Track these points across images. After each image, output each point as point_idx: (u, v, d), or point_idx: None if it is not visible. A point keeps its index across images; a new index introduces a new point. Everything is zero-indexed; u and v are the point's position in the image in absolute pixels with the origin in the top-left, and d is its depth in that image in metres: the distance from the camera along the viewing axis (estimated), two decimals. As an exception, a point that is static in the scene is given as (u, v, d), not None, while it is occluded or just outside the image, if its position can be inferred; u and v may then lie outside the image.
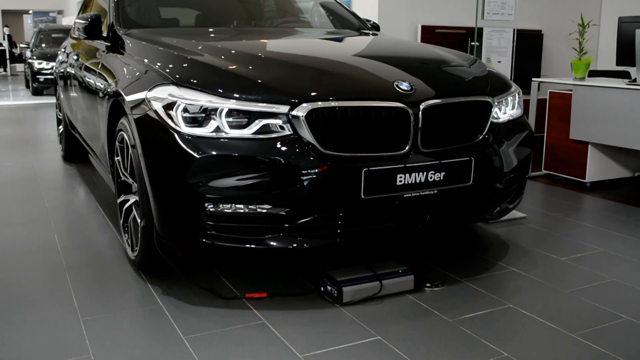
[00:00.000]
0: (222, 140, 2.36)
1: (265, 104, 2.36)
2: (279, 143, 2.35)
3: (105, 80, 3.16)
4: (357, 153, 2.40)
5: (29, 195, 4.27)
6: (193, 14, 3.84)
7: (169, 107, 2.43)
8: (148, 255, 2.68)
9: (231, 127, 2.37)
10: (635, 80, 4.30)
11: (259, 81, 2.45)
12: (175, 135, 2.38)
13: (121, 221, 3.02)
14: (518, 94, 3.02)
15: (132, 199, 2.88)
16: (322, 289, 2.61)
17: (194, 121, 2.39)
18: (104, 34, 3.54)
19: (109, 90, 3.03)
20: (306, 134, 2.35)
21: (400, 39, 3.53)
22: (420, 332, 2.29)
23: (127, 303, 2.55)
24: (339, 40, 3.52)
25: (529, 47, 6.69)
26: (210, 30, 3.51)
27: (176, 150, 2.36)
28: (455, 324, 2.36)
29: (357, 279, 2.56)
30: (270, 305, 2.51)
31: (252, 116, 2.37)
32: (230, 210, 2.39)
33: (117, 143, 2.95)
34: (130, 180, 2.89)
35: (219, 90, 2.40)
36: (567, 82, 4.54)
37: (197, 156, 2.31)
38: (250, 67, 2.56)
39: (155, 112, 2.46)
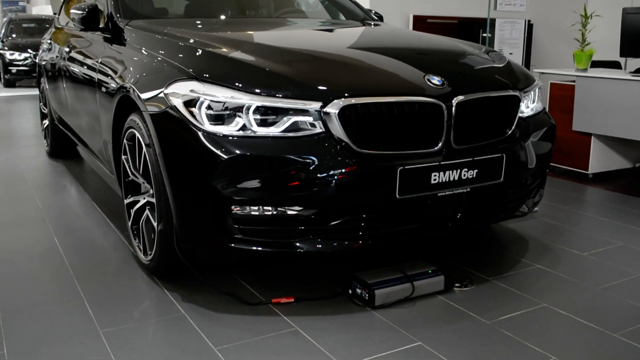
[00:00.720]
0: (250, 139, 2.22)
1: (295, 100, 2.24)
2: (310, 141, 2.23)
3: (110, 74, 2.99)
4: (391, 151, 2.30)
5: (19, 194, 4.07)
6: (190, 3, 3.68)
7: (190, 103, 2.29)
8: (166, 259, 2.54)
9: (259, 125, 2.24)
10: None
11: (288, 76, 2.32)
12: (199, 134, 2.24)
13: (129, 223, 2.87)
14: (539, 88, 2.95)
15: (143, 200, 2.73)
16: (350, 291, 2.51)
17: (218, 119, 2.26)
18: (102, 25, 3.36)
19: (115, 85, 2.86)
20: (339, 131, 2.23)
21: (415, 32, 3.42)
22: (461, 336, 2.21)
23: (147, 312, 2.41)
24: (359, 32, 3.40)
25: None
26: (221, 20, 3.36)
27: (201, 150, 2.22)
28: (494, 326, 2.28)
29: (388, 281, 2.47)
30: (298, 310, 2.40)
31: (280, 113, 2.24)
32: (258, 213, 2.27)
33: (125, 141, 2.79)
34: (141, 180, 2.74)
35: (245, 85, 2.27)
36: (571, 74, 4.50)
37: (225, 157, 2.18)
38: (276, 62, 2.42)
39: (176, 109, 2.31)
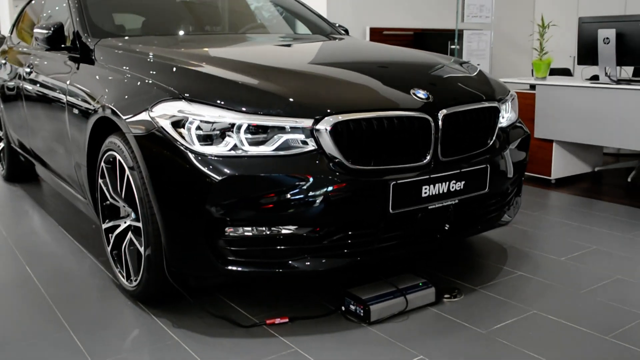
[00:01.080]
0: (242, 159, 2.19)
1: (287, 118, 2.22)
2: (302, 159, 2.22)
3: (82, 95, 2.89)
4: (382, 166, 2.31)
5: (-21, 222, 3.89)
6: (161, 20, 3.61)
7: (177, 124, 2.24)
8: (154, 285, 2.47)
9: (250, 144, 2.21)
10: (597, 77, 4.44)
11: (278, 94, 2.30)
12: (190, 155, 2.19)
13: (109, 249, 2.78)
14: (513, 98, 3.03)
15: (124, 224, 2.65)
16: (343, 308, 2.50)
17: (208, 139, 2.22)
18: (68, 44, 3.25)
19: (89, 106, 2.77)
20: (331, 148, 2.23)
21: (388, 45, 3.46)
22: (461, 347, 2.22)
23: (138, 340, 2.34)
24: (336, 47, 3.41)
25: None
26: (194, 38, 3.32)
27: (192, 172, 2.17)
28: (491, 335, 2.31)
29: (381, 296, 2.47)
30: (294, 330, 2.37)
31: (271, 131, 2.22)
32: (251, 234, 2.24)
33: (102, 164, 2.71)
34: (121, 204, 2.66)
35: (235, 104, 2.23)
36: (530, 82, 4.63)
37: (218, 178, 2.14)
38: (263, 79, 2.40)
39: (163, 130, 2.26)
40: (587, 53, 4.34)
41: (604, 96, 4.18)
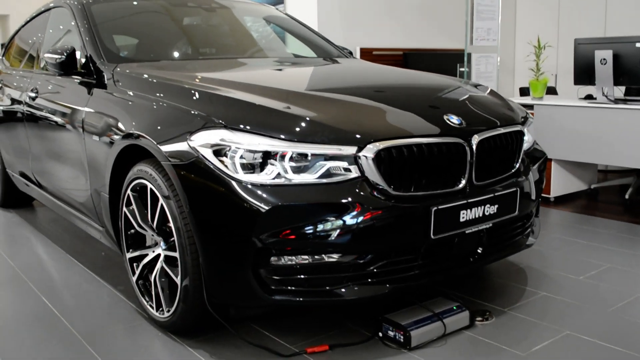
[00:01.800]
0: (286, 187, 2.18)
1: (330, 146, 2.22)
2: (346, 186, 2.22)
3: (104, 121, 2.85)
4: (423, 192, 2.33)
5: (-19, 251, 3.78)
6: (174, 45, 3.59)
7: (219, 153, 2.23)
8: (190, 316, 2.43)
9: (294, 172, 2.21)
10: (594, 97, 4.56)
11: (320, 121, 2.30)
12: (234, 184, 2.17)
13: (134, 278, 2.73)
14: (531, 121, 3.08)
15: (152, 253, 2.61)
16: (381, 334, 2.49)
17: (250, 167, 2.20)
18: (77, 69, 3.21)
19: (115, 133, 2.73)
20: (375, 175, 2.23)
21: (405, 69, 3.50)
22: (506, 372, 2.24)
23: (179, 373, 2.29)
24: (360, 71, 3.42)
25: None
26: (219, 63, 3.30)
27: (238, 201, 2.16)
28: (530, 358, 2.33)
29: (420, 321, 2.47)
30: (335, 358, 2.36)
31: (313, 159, 2.22)
32: (296, 262, 2.22)
33: (129, 192, 2.66)
34: (149, 233, 2.62)
35: (278, 132, 2.23)
36: (528, 102, 4.73)
37: (266, 207, 2.12)
38: (302, 106, 2.40)
39: (204, 158, 2.24)
40: (584, 73, 4.45)
41: (603, 115, 4.29)
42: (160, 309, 2.57)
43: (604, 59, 4.25)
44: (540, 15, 7.44)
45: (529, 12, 7.64)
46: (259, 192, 2.16)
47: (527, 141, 2.96)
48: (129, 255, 2.76)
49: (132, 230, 2.72)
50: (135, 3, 3.77)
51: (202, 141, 2.26)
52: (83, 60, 3.22)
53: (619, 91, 4.72)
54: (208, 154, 2.24)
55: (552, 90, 6.24)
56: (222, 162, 2.22)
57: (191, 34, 3.70)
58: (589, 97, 4.73)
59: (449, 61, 6.56)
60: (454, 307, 2.60)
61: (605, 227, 4.11)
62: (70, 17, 3.56)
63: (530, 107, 4.70)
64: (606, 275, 3.21)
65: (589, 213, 4.48)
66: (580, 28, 6.74)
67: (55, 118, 3.42)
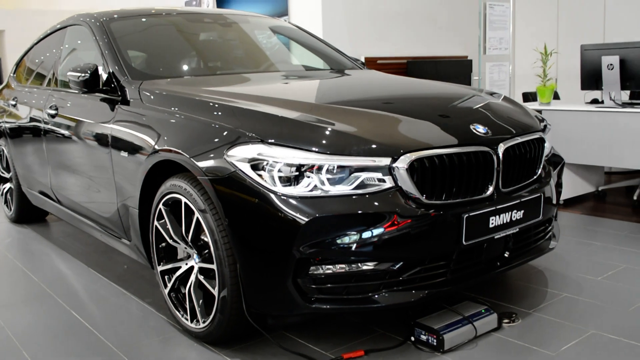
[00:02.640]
0: (324, 199, 2.25)
1: (365, 157, 2.29)
2: (381, 197, 2.28)
3: (132, 138, 2.90)
4: (454, 199, 2.39)
5: (2, 266, 3.81)
6: (196, 60, 3.65)
7: (256, 167, 2.29)
8: (228, 326, 2.48)
9: (330, 184, 2.27)
10: (600, 101, 4.66)
11: (353, 134, 2.37)
12: (273, 197, 2.24)
13: (166, 290, 2.78)
14: (549, 127, 3.16)
15: (185, 265, 2.66)
16: (413, 338, 2.55)
17: (288, 180, 2.27)
18: (102, 87, 3.26)
19: (145, 149, 2.78)
20: (408, 185, 2.30)
21: (422, 79, 3.58)
22: (540, 372, 2.31)
23: (221, 382, 2.34)
24: (383, 83, 3.49)
25: (460, 73, 7.04)
26: (240, 77, 3.37)
27: (277, 213, 2.22)
28: (561, 357, 2.40)
29: (451, 325, 2.54)
30: (372, 363, 2.42)
31: (349, 171, 2.28)
32: (333, 271, 2.28)
33: (160, 206, 2.71)
34: (182, 246, 2.67)
35: (313, 145, 2.29)
36: (536, 108, 4.82)
37: (305, 219, 2.18)
38: (335, 119, 2.46)
39: (242, 172, 2.30)
40: (590, 78, 4.55)
41: (611, 119, 4.38)
42: (195, 319, 2.63)
43: (611, 64, 4.34)
44: (539, 22, 7.54)
45: (529, 20, 7.75)
46: (298, 204, 2.22)
47: (547, 147, 3.04)
48: (160, 268, 2.82)
49: (164, 244, 2.78)
50: (150, 20, 3.82)
51: (239, 156, 2.32)
52: (105, 77, 3.27)
53: (624, 95, 4.82)
54: (246, 168, 2.30)
55: (554, 95, 6.35)
56: (260, 175, 2.28)
57: (210, 50, 3.76)
58: (595, 101, 4.82)
59: (450, 68, 6.66)
60: (482, 310, 2.67)
61: (616, 229, 4.19)
62: (88, 35, 3.62)
63: (539, 112, 4.78)
64: (623, 275, 3.28)
65: (599, 215, 4.57)
66: (579, 34, 6.85)
67: (79, 135, 3.47)
